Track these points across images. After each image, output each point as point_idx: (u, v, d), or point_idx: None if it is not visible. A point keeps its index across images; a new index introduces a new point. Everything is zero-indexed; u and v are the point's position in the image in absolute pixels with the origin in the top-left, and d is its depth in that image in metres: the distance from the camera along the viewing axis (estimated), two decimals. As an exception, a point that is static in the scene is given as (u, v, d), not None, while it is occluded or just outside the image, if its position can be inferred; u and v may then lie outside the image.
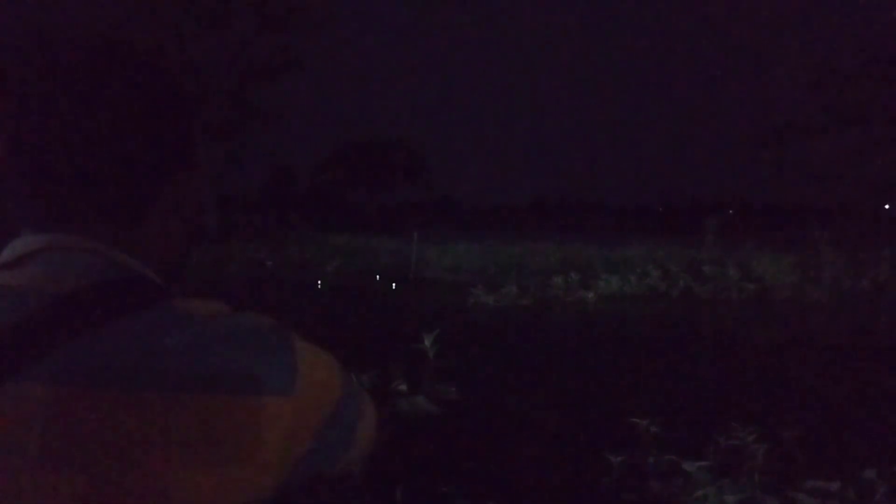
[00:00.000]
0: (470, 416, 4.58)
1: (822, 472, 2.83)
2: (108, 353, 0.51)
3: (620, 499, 3.13)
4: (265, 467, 0.54)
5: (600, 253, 17.90)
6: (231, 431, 0.52)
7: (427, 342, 4.95)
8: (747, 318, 9.15)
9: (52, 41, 0.59)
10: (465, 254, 18.14)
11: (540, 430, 4.31)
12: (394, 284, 13.12)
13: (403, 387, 4.49)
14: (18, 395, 0.49)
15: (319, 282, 13.25)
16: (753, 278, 12.33)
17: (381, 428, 0.69)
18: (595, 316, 9.54)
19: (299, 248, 19.92)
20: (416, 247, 15.80)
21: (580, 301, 10.86)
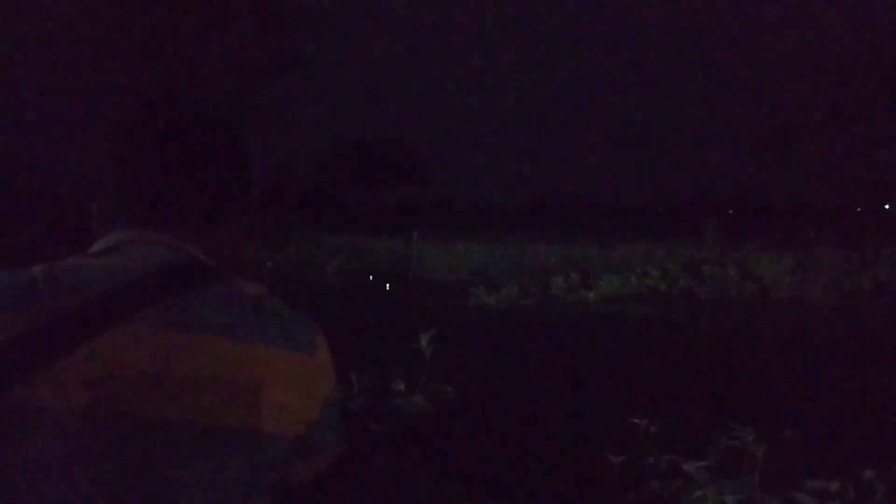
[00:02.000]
0: (470, 415, 4.57)
1: (822, 472, 2.83)
2: (184, 311, 0.72)
3: (620, 499, 3.12)
4: (294, 408, 0.75)
5: (600, 253, 17.89)
6: (282, 373, 0.74)
7: (423, 342, 4.95)
8: (747, 318, 9.15)
9: (150, 103, 0.85)
10: (465, 254, 18.13)
11: (540, 430, 4.31)
12: (388, 285, 13.10)
13: (401, 386, 4.49)
14: (136, 335, 0.69)
15: (320, 282, 13.25)
16: (753, 278, 12.33)
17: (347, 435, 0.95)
18: (595, 316, 9.54)
19: (299, 248, 19.91)
20: (416, 247, 15.80)
21: (580, 301, 10.86)
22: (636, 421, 3.52)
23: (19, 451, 0.65)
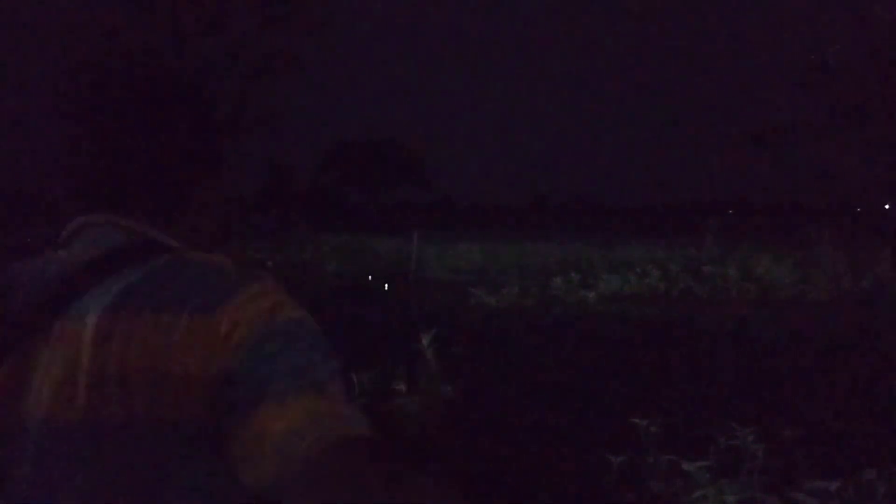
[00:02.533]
0: (470, 415, 4.57)
1: (822, 472, 2.83)
2: (131, 288, 0.69)
3: (620, 499, 3.12)
4: (191, 381, 0.65)
5: (600, 253, 17.88)
6: (180, 341, 0.66)
7: (425, 342, 4.95)
8: (747, 318, 9.14)
9: (106, 68, 0.78)
10: (465, 254, 18.13)
11: (540, 430, 4.31)
12: (386, 285, 13.11)
13: (402, 387, 4.49)
14: (72, 322, 0.67)
15: (321, 282, 13.25)
16: (753, 278, 12.32)
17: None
18: (595, 316, 9.54)
19: (299, 248, 19.91)
20: (416, 247, 15.80)
21: (580, 301, 10.86)
22: (636, 421, 3.52)
23: None
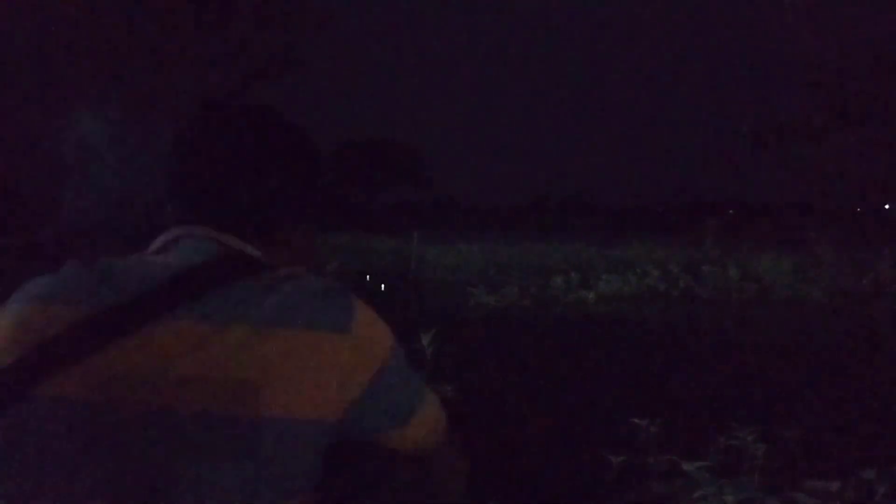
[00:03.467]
0: (469, 415, 4.57)
1: (822, 472, 2.83)
2: (217, 303, 0.71)
3: (620, 499, 3.12)
4: (325, 395, 0.71)
5: (600, 253, 17.89)
6: (305, 356, 0.70)
7: (424, 340, 4.95)
8: (747, 318, 9.14)
9: (217, 111, 0.85)
10: (465, 254, 18.13)
11: (540, 430, 4.31)
12: (382, 286, 13.10)
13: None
14: (170, 330, 0.69)
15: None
16: (753, 278, 12.33)
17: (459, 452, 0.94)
18: (595, 316, 9.54)
19: (299, 247, 19.85)
20: (416, 247, 15.80)
21: (580, 301, 10.86)
22: (636, 421, 3.52)
23: (30, 440, 0.66)
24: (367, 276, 14.17)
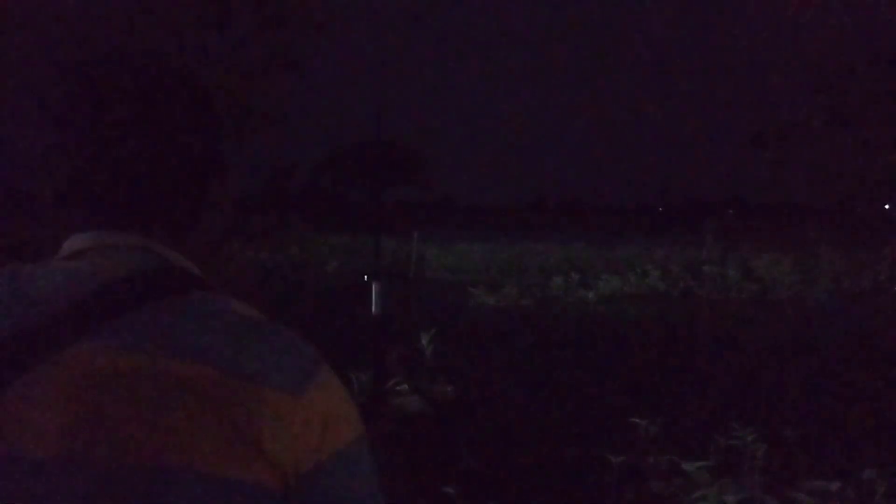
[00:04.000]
0: (470, 415, 4.57)
1: (822, 472, 2.83)
2: (160, 327, 0.59)
3: (620, 499, 3.12)
4: (260, 456, 0.58)
5: (600, 253, 17.89)
6: (233, 409, 0.57)
7: (424, 341, 4.96)
8: (747, 318, 9.14)
9: (104, 63, 0.67)
10: (465, 254, 18.13)
11: (540, 430, 4.31)
12: (365, 277, 13.17)
13: (404, 386, 4.49)
14: (78, 358, 0.56)
15: (320, 282, 13.26)
16: (753, 278, 12.33)
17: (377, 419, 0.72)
18: (595, 316, 9.54)
19: (299, 248, 19.92)
20: (416, 247, 15.80)
21: (580, 301, 10.86)
22: (636, 421, 3.52)
23: None
24: (365, 277, 14.17)
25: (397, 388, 4.50)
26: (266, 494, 0.58)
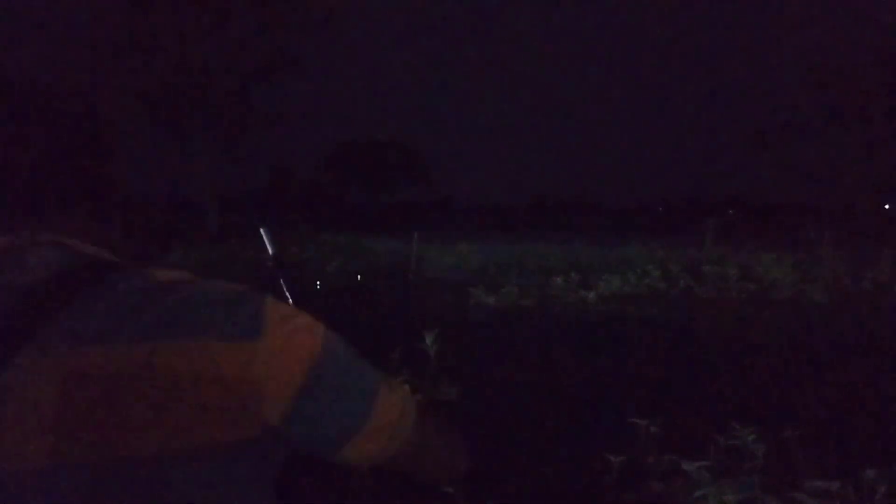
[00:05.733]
0: (470, 415, 4.57)
1: (822, 472, 2.83)
2: (91, 321, 0.58)
3: (620, 499, 3.12)
4: (245, 412, 0.59)
5: (600, 253, 17.88)
6: (207, 379, 0.57)
7: (428, 341, 4.95)
8: (747, 318, 9.14)
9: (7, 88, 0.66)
10: (465, 254, 18.12)
11: (540, 430, 4.31)
12: (359, 276, 13.42)
13: (405, 386, 4.49)
14: (25, 369, 0.56)
15: (318, 282, 13.25)
16: (753, 278, 12.33)
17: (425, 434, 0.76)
18: (595, 316, 9.54)
19: (299, 248, 19.92)
20: (416, 247, 15.80)
21: (580, 301, 10.85)
22: (636, 421, 3.52)
23: None
24: (359, 276, 14.18)
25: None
26: (259, 445, 0.60)
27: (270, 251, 1.10)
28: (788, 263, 13.19)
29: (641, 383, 5.47)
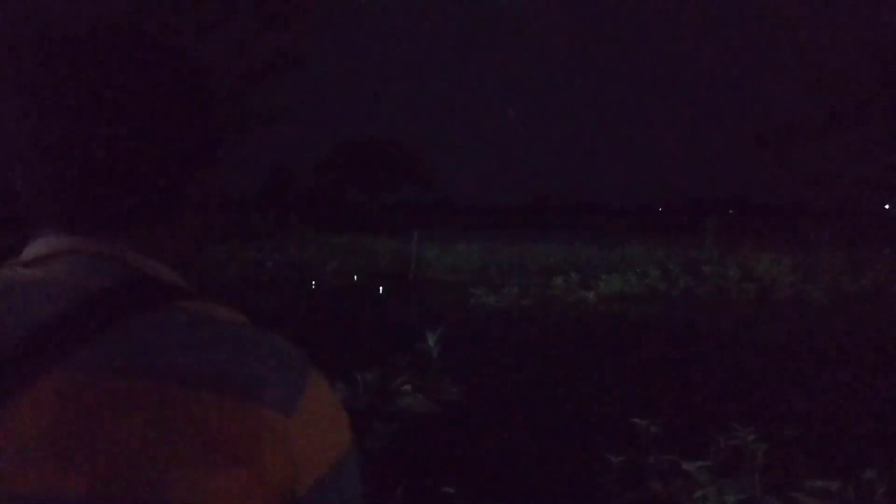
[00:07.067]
0: (470, 415, 4.57)
1: (822, 472, 2.83)
2: (128, 349, 0.52)
3: (620, 499, 3.13)
4: (260, 479, 0.53)
5: (600, 253, 17.89)
6: (227, 432, 0.52)
7: (431, 341, 4.95)
8: (747, 318, 9.15)
9: (62, 36, 0.57)
10: (465, 254, 18.13)
11: (540, 430, 4.31)
12: (354, 277, 13.53)
13: (407, 386, 4.49)
14: (55, 386, 0.50)
15: (314, 282, 13.27)
16: (753, 278, 12.33)
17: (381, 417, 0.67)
18: (595, 316, 9.54)
19: (299, 248, 19.93)
20: (416, 247, 15.80)
21: (580, 301, 10.86)
22: (636, 421, 3.52)
23: None
24: (355, 277, 14.19)
25: (402, 388, 4.50)
26: None
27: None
28: (788, 263, 13.20)
29: (641, 383, 5.48)
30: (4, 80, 0.56)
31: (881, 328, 8.05)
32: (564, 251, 18.70)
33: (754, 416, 3.86)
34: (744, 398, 4.95)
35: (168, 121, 0.57)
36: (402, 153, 64.90)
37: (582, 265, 14.77)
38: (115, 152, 0.55)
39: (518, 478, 3.54)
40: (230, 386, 0.52)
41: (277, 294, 11.33)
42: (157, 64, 0.58)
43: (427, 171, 67.08)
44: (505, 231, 36.83)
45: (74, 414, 0.50)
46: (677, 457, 3.01)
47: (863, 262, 13.02)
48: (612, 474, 3.21)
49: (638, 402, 4.63)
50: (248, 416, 0.53)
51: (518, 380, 5.64)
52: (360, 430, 3.78)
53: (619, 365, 6.24)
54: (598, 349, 7.08)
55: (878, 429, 4.20)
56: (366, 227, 36.09)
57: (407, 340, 5.57)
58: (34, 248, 0.58)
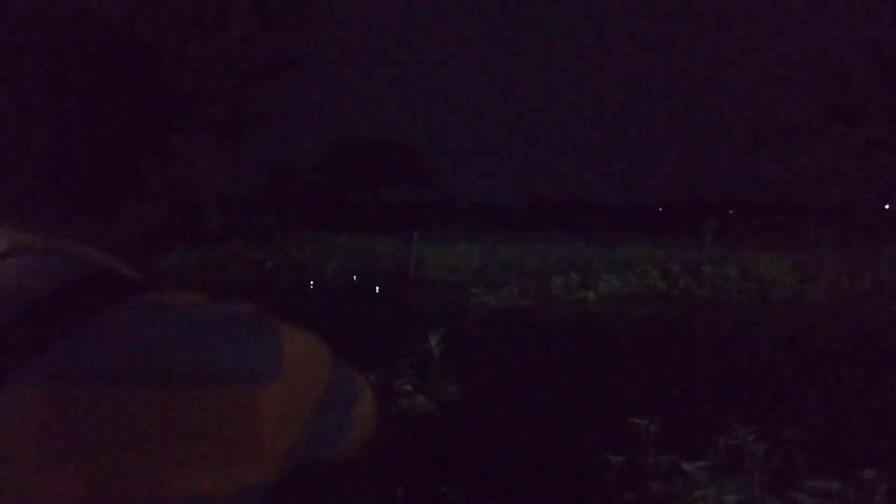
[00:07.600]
0: (470, 415, 4.58)
1: (822, 472, 2.83)
2: (92, 351, 0.49)
3: (620, 499, 3.13)
4: (261, 456, 0.52)
5: (600, 253, 17.89)
6: (223, 422, 0.50)
7: (433, 342, 4.94)
8: (747, 318, 9.15)
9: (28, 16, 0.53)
10: (465, 254, 18.13)
11: (540, 430, 4.31)
12: (354, 277, 13.60)
13: (408, 386, 4.50)
14: (14, 399, 0.47)
15: (312, 282, 13.27)
16: (753, 278, 12.33)
17: (382, 417, 0.70)
18: (595, 316, 9.54)
19: (299, 248, 19.93)
20: (416, 247, 15.79)
21: (580, 301, 10.86)
22: (636, 421, 3.52)
23: None
24: (354, 277, 14.19)
25: (403, 388, 4.50)
26: (268, 487, 0.54)
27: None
28: (788, 263, 13.20)
29: (641, 383, 5.48)
30: None
31: (881, 328, 8.05)
32: (564, 251, 18.70)
33: (754, 416, 3.86)
34: (744, 398, 4.95)
35: (112, 107, 0.54)
36: (402, 153, 64.94)
37: (582, 265, 14.77)
38: (58, 142, 0.52)
39: (518, 478, 3.54)
40: (209, 374, 0.50)
41: (277, 294, 11.33)
42: (98, 45, 0.54)
43: (427, 171, 67.10)
44: (505, 231, 36.83)
45: (51, 423, 0.47)
46: (677, 457, 3.01)
47: (863, 262, 13.01)
48: (612, 474, 3.21)
49: (638, 402, 4.63)
50: (237, 396, 0.51)
51: (518, 380, 5.64)
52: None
53: (619, 365, 6.24)
54: (598, 349, 7.08)
55: (878, 429, 4.20)
56: (366, 227, 36.08)
57: (407, 341, 5.57)
58: None
